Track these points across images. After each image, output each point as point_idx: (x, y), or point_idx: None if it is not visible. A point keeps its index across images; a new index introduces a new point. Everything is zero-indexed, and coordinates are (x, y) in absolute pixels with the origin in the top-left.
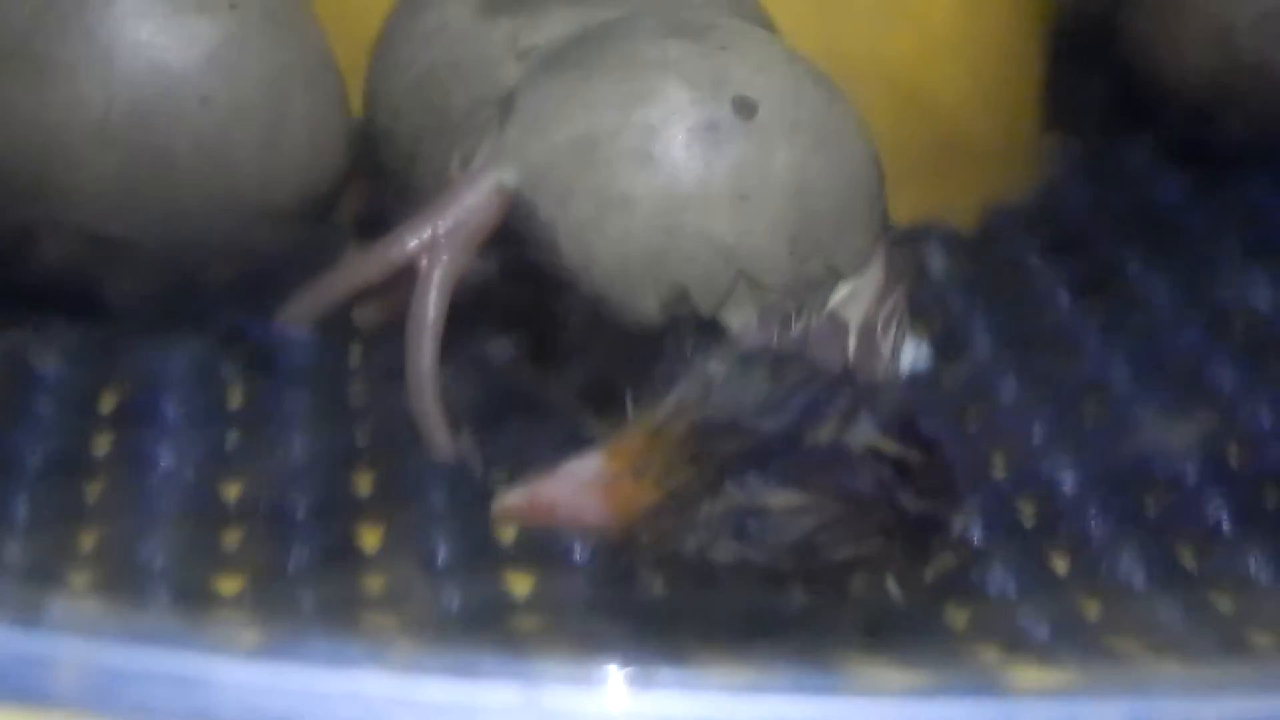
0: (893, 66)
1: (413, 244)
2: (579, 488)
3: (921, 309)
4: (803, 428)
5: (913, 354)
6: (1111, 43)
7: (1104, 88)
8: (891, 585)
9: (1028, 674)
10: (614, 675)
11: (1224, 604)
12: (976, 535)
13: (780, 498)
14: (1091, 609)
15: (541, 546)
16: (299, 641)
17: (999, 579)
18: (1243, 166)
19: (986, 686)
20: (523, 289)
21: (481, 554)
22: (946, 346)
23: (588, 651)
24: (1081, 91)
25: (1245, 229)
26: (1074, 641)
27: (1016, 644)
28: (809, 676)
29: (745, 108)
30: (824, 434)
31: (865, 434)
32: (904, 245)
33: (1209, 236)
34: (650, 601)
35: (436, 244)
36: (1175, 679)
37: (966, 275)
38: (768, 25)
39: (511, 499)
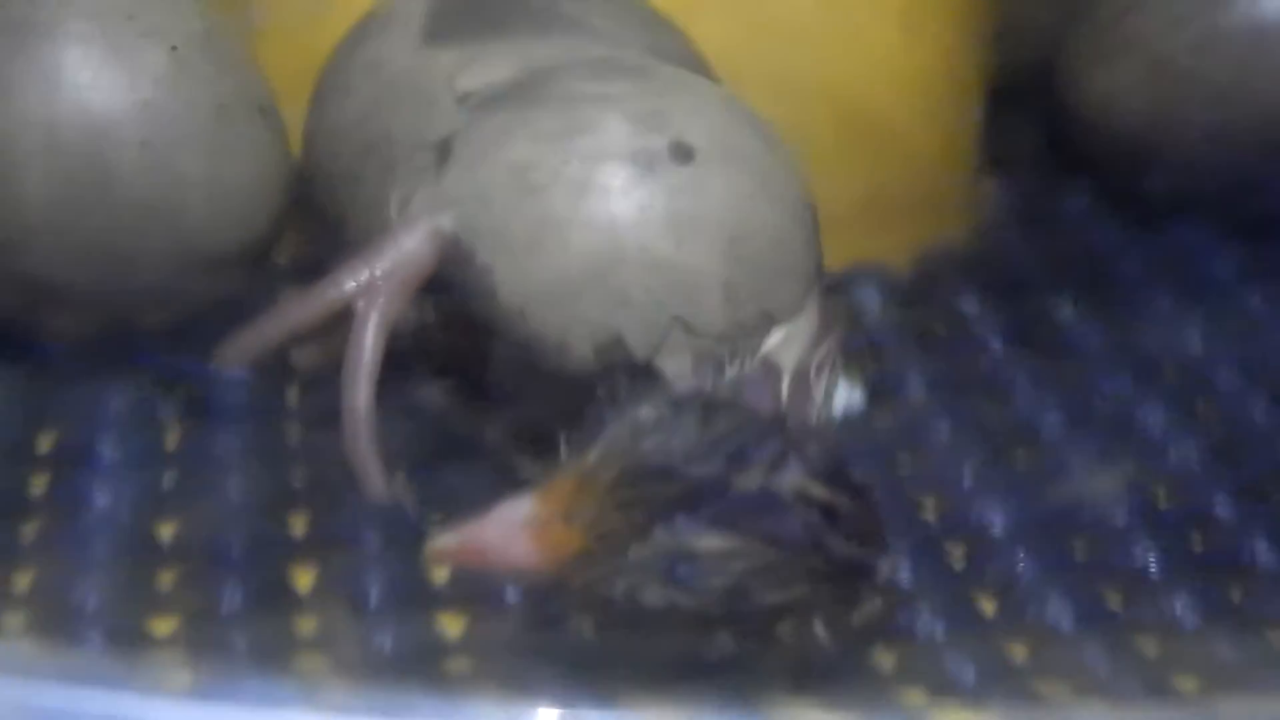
0: (838, 91)
1: (349, 287)
2: (510, 531)
3: (855, 353)
4: (731, 473)
5: (846, 398)
6: (1048, 86)
7: (1041, 132)
8: (819, 629)
9: (953, 716)
10: (544, 716)
11: (1150, 647)
12: (905, 578)
13: (709, 542)
14: (1019, 652)
15: (474, 588)
16: (231, 682)
17: (927, 622)
18: (1177, 213)
19: None
20: (459, 332)
21: (414, 596)
22: (880, 391)
23: (518, 692)
24: (1018, 135)
25: (1178, 275)
26: (1001, 684)
27: (943, 687)
28: (736, 718)
29: (682, 153)
30: (753, 479)
31: (794, 479)
32: (838, 290)
33: (1142, 283)
34: (580, 643)
35: (373, 287)
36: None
37: (900, 319)
38: (706, 72)
39: (443, 541)
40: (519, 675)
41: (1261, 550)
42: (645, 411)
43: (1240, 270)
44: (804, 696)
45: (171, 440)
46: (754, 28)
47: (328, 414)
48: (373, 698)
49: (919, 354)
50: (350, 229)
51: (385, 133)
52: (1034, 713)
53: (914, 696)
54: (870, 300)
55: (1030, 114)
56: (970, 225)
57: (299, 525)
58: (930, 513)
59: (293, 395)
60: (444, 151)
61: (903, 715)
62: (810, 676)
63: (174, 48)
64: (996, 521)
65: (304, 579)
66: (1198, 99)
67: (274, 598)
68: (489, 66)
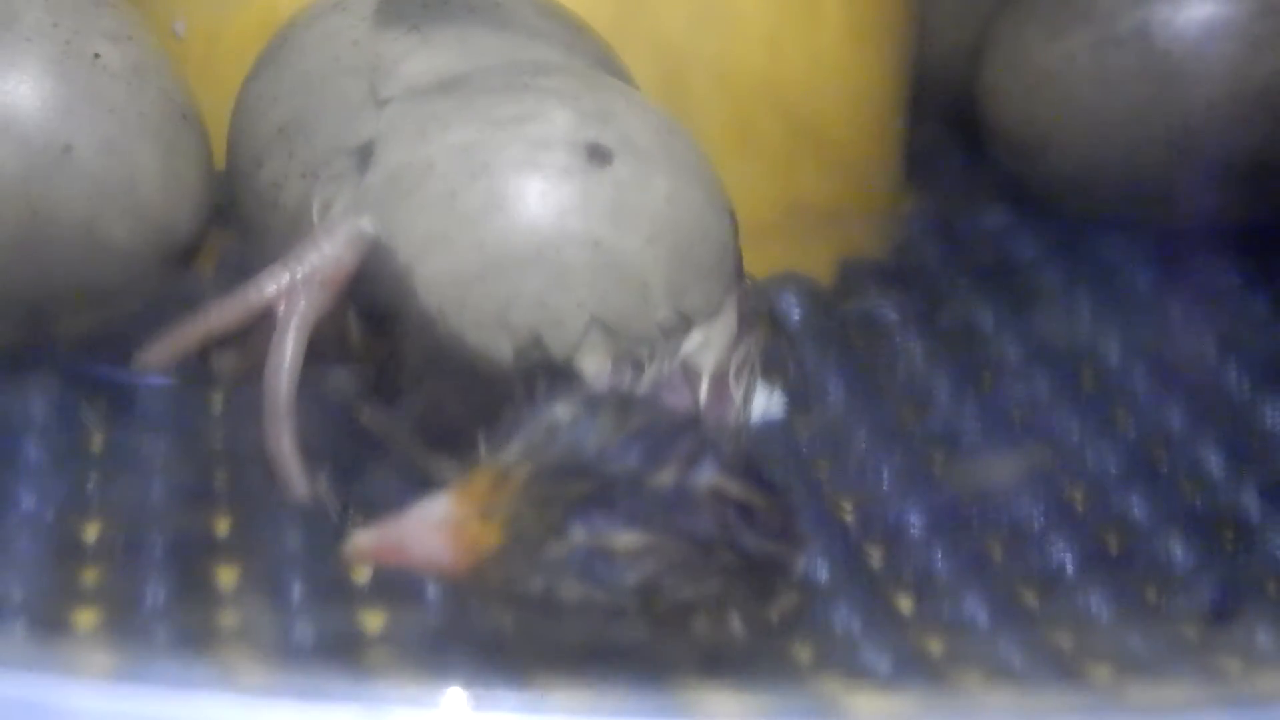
0: (782, 90)
1: (269, 289)
2: (427, 529)
3: (775, 359)
4: (646, 470)
5: (765, 402)
6: (968, 99)
7: (963, 145)
8: (734, 623)
9: (867, 701)
10: (456, 697)
11: (1064, 640)
12: (823, 575)
13: (624, 539)
14: (935, 645)
15: (393, 585)
16: (148, 666)
17: (844, 617)
18: (1093, 227)
19: (824, 712)
20: (381, 334)
21: (335, 593)
22: (800, 396)
23: (432, 676)
24: (941, 148)
25: (1096, 286)
26: (916, 674)
27: (858, 676)
28: (648, 700)
29: (600, 156)
30: (667, 476)
31: (709, 476)
32: (761, 298)
33: (1060, 293)
34: (497, 634)
35: (293, 290)
36: (1011, 705)
37: (821, 328)
38: (626, 78)
39: (361, 540)
40: (434, 660)
41: (1176, 549)
42: (561, 409)
43: (1155, 282)
44: (716, 681)
45: (96, 443)
46: (700, 23)
47: (250, 416)
48: (290, 681)
49: (839, 362)
50: (273, 235)
51: (307, 138)
52: (947, 698)
53: (828, 683)
54: (791, 308)
55: (952, 127)
56: (892, 236)
57: (221, 526)
58: (849, 514)
59: (217, 399)
60: (365, 155)
61: (815, 700)
62: (724, 665)
63: (96, 55)
64: (914, 522)
65: (226, 576)
66: (1110, 119)
67: (196, 595)
68: (411, 73)
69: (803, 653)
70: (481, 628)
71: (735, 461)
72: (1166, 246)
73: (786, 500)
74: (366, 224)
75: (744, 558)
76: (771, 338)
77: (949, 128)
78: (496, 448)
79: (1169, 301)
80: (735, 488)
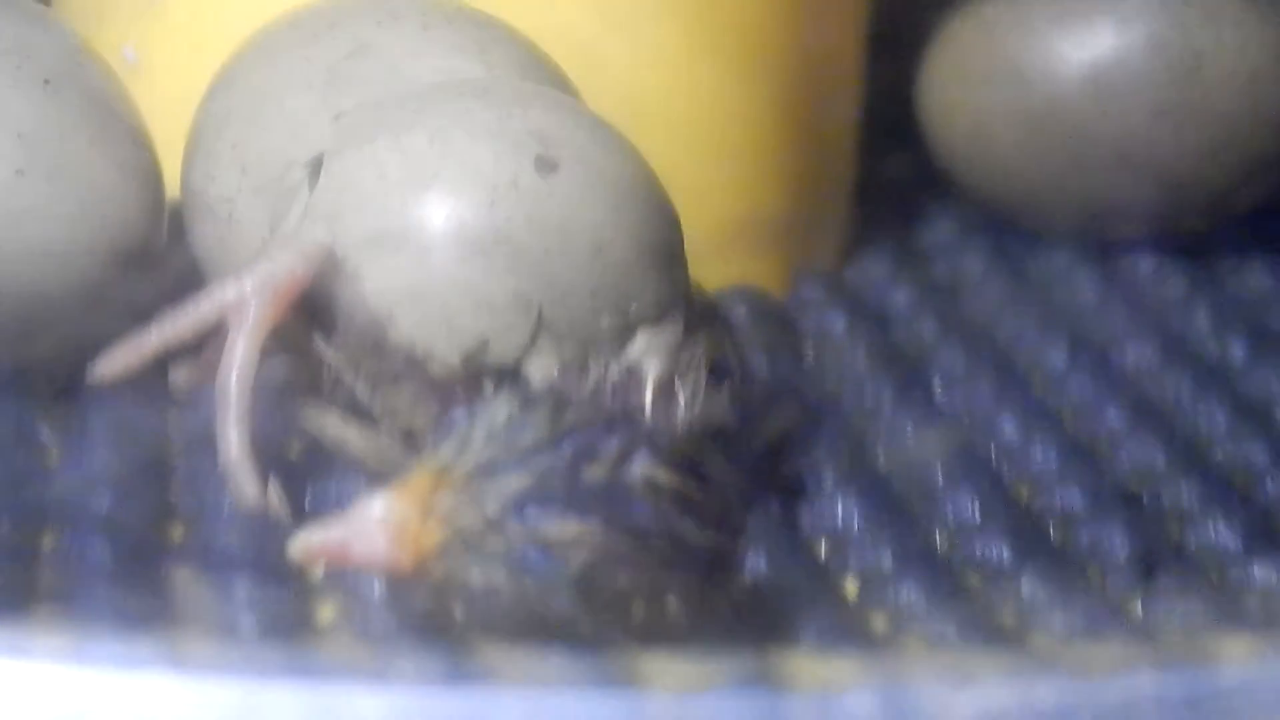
0: (731, 105)
1: (222, 301)
2: (369, 528)
3: (722, 367)
4: (580, 463)
5: (710, 408)
6: (916, 114)
7: (909, 159)
8: (673, 610)
9: (807, 667)
10: (402, 669)
11: (1006, 620)
12: (765, 565)
13: (558, 530)
14: (878, 622)
15: (344, 583)
16: (91, 645)
17: (788, 602)
18: (1038, 239)
19: (766, 679)
20: (333, 342)
21: (285, 587)
22: (745, 403)
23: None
24: (889, 163)
25: (1043, 298)
26: (858, 646)
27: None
28: (593, 670)
29: (546, 166)
30: (601, 469)
31: (644, 468)
32: (707, 303)
33: (1006, 305)
34: (442, 619)
35: (245, 301)
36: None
37: (770, 340)
38: (572, 93)
39: (305, 540)
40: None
41: (1114, 538)
42: (498, 408)
43: (1099, 293)
44: (656, 650)
45: (52, 458)
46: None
47: (205, 427)
48: (238, 659)
49: (787, 373)
50: (228, 250)
51: (259, 153)
52: (887, 661)
53: (768, 651)
54: (741, 321)
55: (900, 139)
56: (841, 251)
57: (176, 534)
58: (794, 512)
59: (172, 411)
60: (316, 168)
61: (756, 663)
62: (662, 642)
63: (47, 81)
64: (854, 515)
65: (179, 576)
66: (1053, 131)
67: (147, 588)
68: (363, 87)
69: (743, 631)
70: (427, 615)
71: (673, 456)
72: (1110, 257)
73: (727, 491)
74: (318, 234)
75: (681, 548)
76: (719, 345)
77: (899, 139)
78: (437, 447)
79: (1113, 310)
80: (670, 479)
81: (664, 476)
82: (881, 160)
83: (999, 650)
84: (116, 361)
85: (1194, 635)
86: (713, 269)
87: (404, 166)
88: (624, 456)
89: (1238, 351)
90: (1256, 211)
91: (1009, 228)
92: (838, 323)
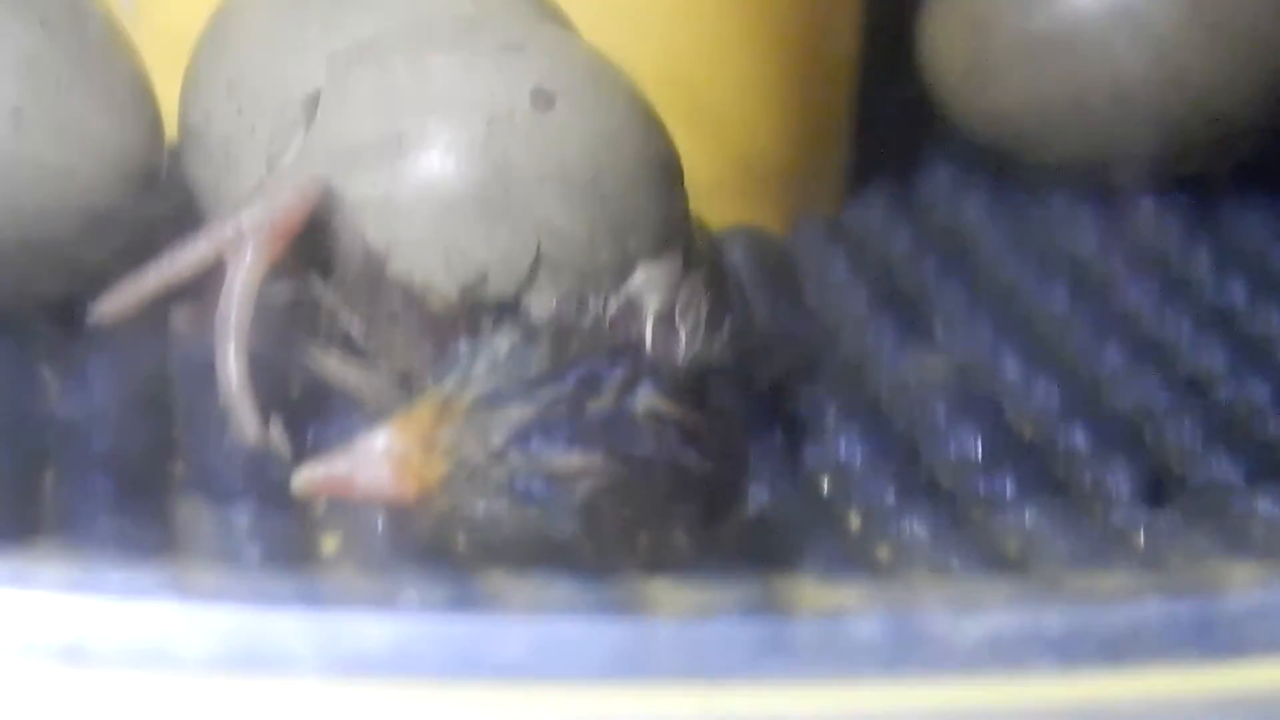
0: (729, 47)
1: (219, 239)
2: (372, 462)
3: (723, 304)
4: (583, 394)
5: (710, 344)
6: (912, 58)
7: (908, 100)
8: (678, 541)
9: (810, 594)
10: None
11: (1009, 549)
12: (768, 498)
13: (562, 462)
14: (882, 553)
15: (346, 515)
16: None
17: (790, 536)
18: (1040, 184)
19: (769, 606)
20: (331, 279)
21: (288, 518)
22: (746, 341)
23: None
24: (889, 106)
25: (1043, 239)
26: (863, 575)
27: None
28: (597, 596)
29: (543, 99)
30: (604, 401)
31: (647, 399)
32: (708, 239)
33: (1007, 246)
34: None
35: (243, 239)
36: (952, 596)
37: (770, 278)
38: (570, 29)
39: (308, 475)
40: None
41: (1117, 474)
42: (500, 341)
43: (1099, 234)
44: (661, 577)
45: (53, 396)
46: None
47: (205, 366)
48: (241, 586)
49: (788, 313)
50: (225, 191)
51: (255, 92)
52: (892, 588)
53: (773, 578)
54: (741, 261)
55: (899, 85)
56: (839, 193)
57: (177, 470)
58: (797, 449)
59: (173, 351)
60: (313, 105)
61: (761, 589)
62: (666, 569)
63: (43, 22)
64: (857, 453)
65: (182, 512)
66: (1055, 74)
67: (150, 520)
68: (358, 22)
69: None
70: (431, 547)
71: (677, 387)
72: (1110, 198)
73: (732, 421)
74: (316, 170)
75: (685, 478)
76: (720, 281)
77: (898, 82)
78: (439, 379)
79: (1113, 253)
80: (673, 409)
81: (667, 407)
82: (880, 101)
83: (1004, 578)
84: (116, 301)
85: (1199, 562)
86: (709, 212)
87: (400, 102)
88: (627, 387)
89: (1238, 292)
90: (1257, 152)
91: (1009, 169)
92: (838, 265)
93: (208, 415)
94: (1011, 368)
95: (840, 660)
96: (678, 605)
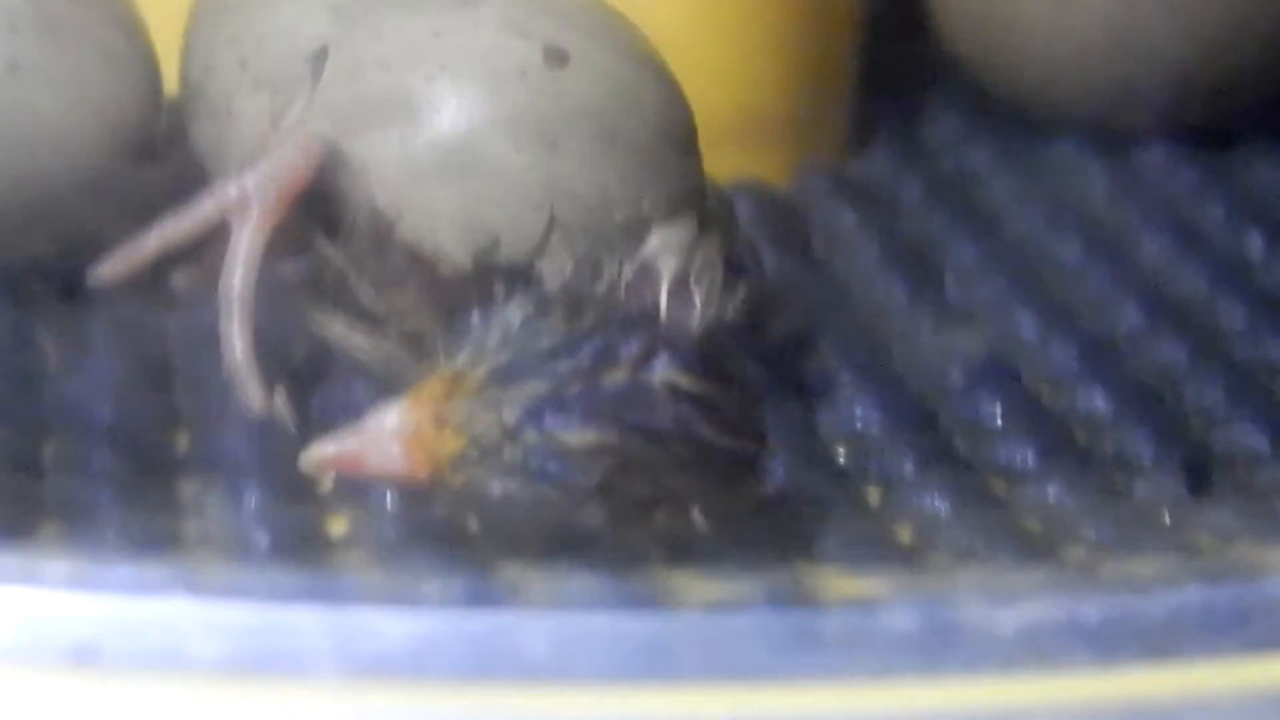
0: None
1: (223, 199)
2: (383, 438)
3: (736, 264)
4: (598, 367)
5: (725, 307)
6: (920, 4)
7: (918, 50)
8: (697, 518)
9: (835, 583)
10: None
11: (1031, 524)
12: (785, 471)
13: (578, 437)
14: (903, 533)
15: (355, 493)
16: (105, 568)
17: (811, 514)
18: (1048, 132)
19: (795, 597)
20: (339, 241)
21: (296, 500)
22: (760, 301)
23: (399, 573)
24: (895, 54)
25: (1053, 190)
26: (887, 559)
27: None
28: (618, 588)
29: (556, 57)
30: (620, 373)
31: (663, 371)
32: (720, 200)
33: (1016, 199)
34: (460, 531)
35: (247, 200)
36: (982, 584)
37: (777, 233)
38: None
39: (318, 452)
40: (400, 558)
41: (1140, 442)
42: (513, 311)
43: (1110, 185)
44: (682, 563)
45: (53, 363)
46: None
47: (209, 331)
48: (251, 580)
49: (797, 269)
50: (228, 146)
51: (259, 45)
52: (923, 577)
53: (799, 567)
54: (747, 215)
55: (907, 33)
56: (845, 143)
57: (181, 441)
58: (812, 414)
59: (176, 314)
60: (319, 61)
61: (788, 579)
62: (688, 555)
63: None
64: (874, 419)
65: (187, 489)
66: (1063, 18)
67: (155, 503)
68: None
69: (768, 541)
70: (446, 532)
71: (691, 357)
72: (1120, 148)
73: (749, 394)
74: (321, 130)
75: (702, 452)
76: (732, 241)
77: (905, 30)
78: (451, 352)
79: (1126, 203)
80: (690, 382)
81: (685, 380)
82: (886, 49)
83: (1036, 564)
84: (117, 264)
85: (1235, 546)
86: (712, 162)
87: (409, 60)
88: (643, 360)
89: (1255, 243)
90: (1267, 101)
91: (1017, 118)
92: (845, 217)
93: (212, 384)
94: (1027, 325)
95: (872, 654)
96: (702, 597)
